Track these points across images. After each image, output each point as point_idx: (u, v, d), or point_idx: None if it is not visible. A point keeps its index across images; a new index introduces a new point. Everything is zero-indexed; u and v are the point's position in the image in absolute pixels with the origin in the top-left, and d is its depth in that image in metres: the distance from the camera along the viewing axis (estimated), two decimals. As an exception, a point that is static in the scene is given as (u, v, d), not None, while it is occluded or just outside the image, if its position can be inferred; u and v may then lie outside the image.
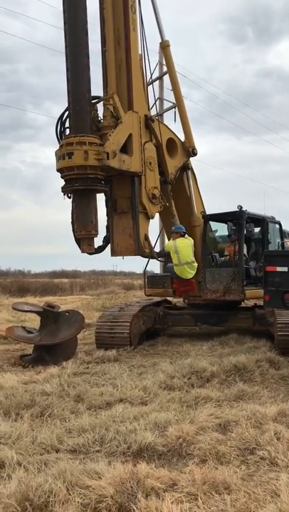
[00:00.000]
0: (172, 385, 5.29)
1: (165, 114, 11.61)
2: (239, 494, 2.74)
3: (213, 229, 9.45)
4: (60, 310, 7.45)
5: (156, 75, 11.69)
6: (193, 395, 4.90)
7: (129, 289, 27.45)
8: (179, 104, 8.89)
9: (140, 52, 7.87)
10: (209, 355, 7.06)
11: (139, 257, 7.94)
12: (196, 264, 8.16)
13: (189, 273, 8.14)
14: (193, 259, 8.11)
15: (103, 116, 7.20)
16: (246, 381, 5.56)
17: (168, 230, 8.90)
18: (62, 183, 7.07)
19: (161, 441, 3.62)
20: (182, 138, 8.74)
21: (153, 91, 8.48)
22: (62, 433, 3.83)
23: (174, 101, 9.25)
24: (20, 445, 3.55)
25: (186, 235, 8.18)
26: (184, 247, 8.02)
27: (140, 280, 31.73)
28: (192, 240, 8.21)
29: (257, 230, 9.29)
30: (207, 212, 9.15)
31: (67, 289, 26.94)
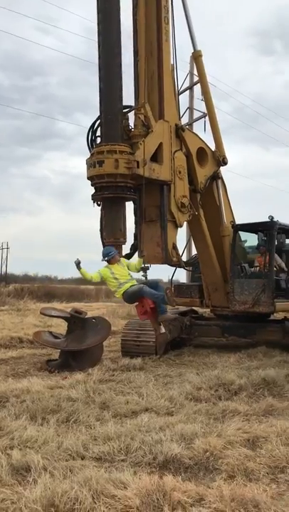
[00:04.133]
0: (199, 396, 5.19)
1: (195, 124, 11.63)
2: (269, 513, 2.64)
3: (242, 239, 9.32)
4: (86, 316, 7.49)
5: (186, 84, 11.76)
6: (221, 407, 4.78)
7: (154, 298, 27.31)
8: (210, 114, 8.87)
9: (172, 63, 7.93)
10: (237, 367, 6.91)
11: (164, 266, 7.86)
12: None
13: None
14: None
15: (134, 125, 7.26)
16: (275, 396, 5.38)
17: (196, 239, 8.84)
18: (90, 191, 7.15)
19: (187, 454, 3.54)
20: (213, 147, 8.70)
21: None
22: (87, 440, 3.81)
23: (204, 111, 9.24)
24: (46, 450, 3.54)
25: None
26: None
27: (166, 289, 31.67)
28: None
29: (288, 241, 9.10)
30: (236, 222, 9.04)
31: (93, 295, 27.13)
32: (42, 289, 26.07)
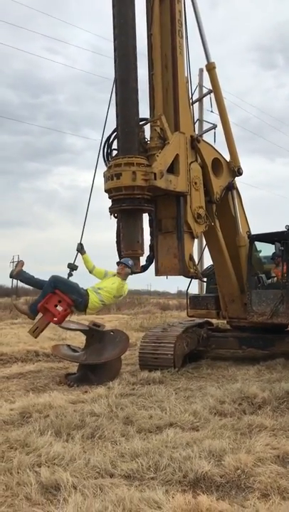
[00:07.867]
0: (223, 410, 5.09)
1: (205, 135, 11.65)
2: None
3: (258, 249, 9.24)
4: (105, 329, 7.45)
5: (196, 96, 11.83)
6: (246, 422, 4.68)
7: (165, 309, 27.19)
8: (224, 125, 8.88)
9: (186, 75, 7.99)
10: (257, 380, 6.79)
11: (172, 277, 7.77)
12: None
13: None
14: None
15: (150, 138, 7.29)
16: (300, 410, 5.26)
17: (212, 249, 8.78)
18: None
19: (218, 472, 3.46)
20: (227, 158, 8.69)
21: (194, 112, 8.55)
22: (114, 457, 3.74)
23: (214, 122, 9.28)
24: (74, 467, 3.49)
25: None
26: None
27: (175, 300, 31.46)
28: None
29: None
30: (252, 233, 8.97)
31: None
32: (53, 302, 25.99)
